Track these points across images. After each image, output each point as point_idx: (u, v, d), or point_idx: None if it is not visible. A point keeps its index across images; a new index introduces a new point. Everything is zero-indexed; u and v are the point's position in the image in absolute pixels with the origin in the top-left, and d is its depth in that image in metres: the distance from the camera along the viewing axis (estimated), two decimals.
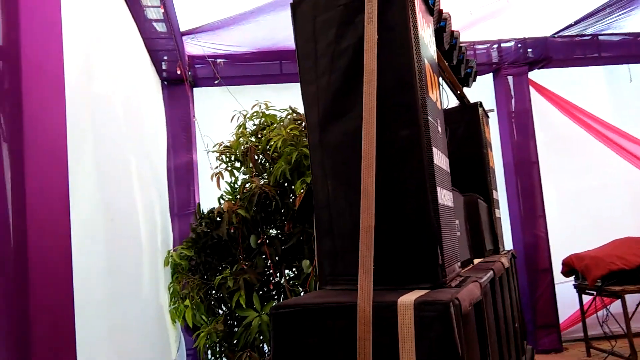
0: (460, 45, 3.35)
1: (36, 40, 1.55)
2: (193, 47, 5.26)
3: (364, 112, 1.84)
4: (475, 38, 5.90)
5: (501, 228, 4.26)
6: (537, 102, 6.10)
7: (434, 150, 1.92)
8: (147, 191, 3.12)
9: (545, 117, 6.13)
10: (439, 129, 2.12)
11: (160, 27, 4.38)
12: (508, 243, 5.64)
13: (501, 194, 5.86)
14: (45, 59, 1.58)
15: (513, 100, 5.86)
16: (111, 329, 1.96)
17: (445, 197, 2.03)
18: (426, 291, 1.68)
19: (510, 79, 5.86)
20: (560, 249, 5.58)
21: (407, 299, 1.57)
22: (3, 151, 1.18)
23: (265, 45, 5.39)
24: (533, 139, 5.81)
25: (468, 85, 3.99)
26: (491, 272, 2.52)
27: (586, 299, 5.18)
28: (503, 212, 5.85)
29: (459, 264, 2.13)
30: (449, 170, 2.22)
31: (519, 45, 5.89)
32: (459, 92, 3.92)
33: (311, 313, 1.71)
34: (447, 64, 3.31)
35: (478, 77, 4.08)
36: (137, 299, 2.41)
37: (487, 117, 4.43)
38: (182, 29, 4.92)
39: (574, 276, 5.32)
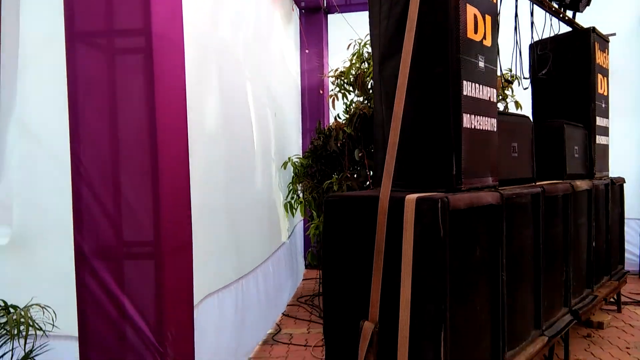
0: None
1: None
2: None
3: (403, 53, 2.33)
4: None
5: (606, 154, 4.29)
6: None
7: (465, 83, 2.35)
8: (272, 107, 3.90)
9: None
10: (481, 64, 2.49)
11: None
12: (631, 170, 5.45)
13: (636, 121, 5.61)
14: None
15: None
16: (228, 212, 2.81)
17: (478, 122, 2.45)
18: (436, 193, 2.22)
19: None
20: None
21: (413, 196, 2.14)
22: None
23: None
24: None
25: (579, 10, 3.97)
26: (539, 189, 2.87)
27: None
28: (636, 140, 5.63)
29: (491, 178, 2.56)
30: (494, 99, 2.59)
31: None
32: (565, 17, 3.94)
33: (349, 202, 2.39)
34: None
35: None
36: (251, 194, 3.25)
37: (606, 41, 4.32)
38: None
39: None
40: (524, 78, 3.88)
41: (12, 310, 1.75)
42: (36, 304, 1.78)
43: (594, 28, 4.06)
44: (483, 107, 2.51)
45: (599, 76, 4.14)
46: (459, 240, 2.21)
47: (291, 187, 4.34)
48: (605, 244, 4.10)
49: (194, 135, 2.17)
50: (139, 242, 1.79)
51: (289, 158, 4.38)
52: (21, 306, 1.80)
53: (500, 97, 4.09)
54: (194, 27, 2.22)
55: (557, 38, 4.25)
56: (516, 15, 3.83)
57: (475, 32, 2.45)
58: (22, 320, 1.67)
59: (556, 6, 3.89)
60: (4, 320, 1.79)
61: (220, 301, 2.70)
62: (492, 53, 2.61)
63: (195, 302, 2.12)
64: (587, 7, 4.05)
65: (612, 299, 4.42)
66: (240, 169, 2.97)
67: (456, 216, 2.15)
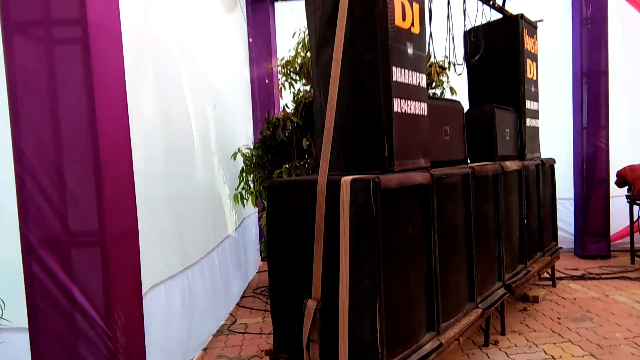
0: None
1: None
2: None
3: (335, 41, 2.43)
4: None
5: (536, 136, 4.55)
6: (621, 6, 5.88)
7: (395, 69, 2.47)
8: (213, 98, 3.93)
9: (626, 24, 5.90)
10: (410, 50, 2.62)
11: None
12: (563, 152, 5.81)
13: (567, 104, 5.95)
14: None
15: (589, 6, 5.70)
16: (170, 204, 2.85)
17: (408, 106, 2.59)
18: (369, 174, 2.33)
19: None
20: (623, 162, 5.63)
21: (348, 178, 2.25)
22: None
23: None
24: (605, 48, 5.68)
25: None
26: (469, 169, 3.05)
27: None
28: (567, 122, 5.97)
29: (423, 159, 2.71)
30: (423, 85, 2.73)
31: None
32: (496, 5, 4.14)
33: (289, 186, 2.49)
34: None
35: None
36: (192, 187, 3.28)
37: (534, 28, 4.57)
38: None
39: (627, 187, 5.43)
40: (458, 64, 4.08)
41: None
42: None
43: (522, 15, 4.29)
44: (413, 92, 2.65)
45: (528, 61, 4.38)
46: (392, 218, 2.34)
47: (242, 178, 4.39)
48: (538, 221, 4.37)
49: (134, 127, 2.20)
50: (84, 231, 1.81)
51: (238, 149, 4.43)
52: None
53: (436, 83, 4.27)
54: (126, 18, 2.25)
55: (489, 25, 4.46)
56: (448, 3, 4.02)
57: (404, 19, 2.58)
58: None
59: None
60: None
61: (167, 291, 2.75)
62: (421, 40, 2.75)
63: (143, 292, 2.16)
64: None
65: (546, 274, 4.72)
66: (179, 162, 3.00)
67: (388, 195, 2.28)
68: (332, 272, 2.28)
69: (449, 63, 4.41)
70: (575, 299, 4.34)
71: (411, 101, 2.63)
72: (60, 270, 1.78)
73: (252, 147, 4.70)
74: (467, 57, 4.49)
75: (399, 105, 2.52)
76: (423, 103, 2.75)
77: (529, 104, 4.39)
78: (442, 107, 3.24)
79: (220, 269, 3.60)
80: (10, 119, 1.76)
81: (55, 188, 1.78)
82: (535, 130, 4.57)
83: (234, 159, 4.37)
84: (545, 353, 3.26)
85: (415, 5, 2.68)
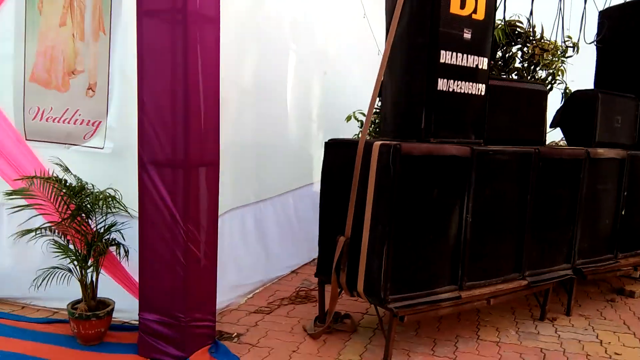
0: None
1: None
2: None
3: (390, 27, 2.87)
4: None
5: None
6: None
7: (444, 52, 2.81)
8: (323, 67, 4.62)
9: None
10: (467, 35, 2.89)
11: None
12: None
13: None
14: None
15: None
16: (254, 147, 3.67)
17: (459, 86, 2.90)
18: (401, 141, 2.75)
19: None
20: None
21: (378, 142, 2.73)
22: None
23: None
24: None
25: None
26: (532, 150, 3.20)
27: None
28: None
29: (474, 135, 3.00)
30: (483, 67, 2.99)
31: None
32: None
33: (341, 145, 3.05)
34: None
35: None
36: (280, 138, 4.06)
37: None
38: None
39: None
40: (569, 46, 4.02)
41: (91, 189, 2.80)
42: (110, 188, 2.81)
43: None
44: (467, 74, 2.93)
45: None
46: (416, 181, 2.74)
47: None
48: None
49: (230, 90, 3.00)
50: (175, 158, 2.67)
51: (353, 113, 5.03)
52: None
53: (542, 64, 4.21)
54: (233, 6, 3.02)
55: (626, 5, 4.22)
56: None
57: (462, 7, 2.86)
58: (102, 197, 2.70)
59: None
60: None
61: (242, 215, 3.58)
62: (485, 26, 2.98)
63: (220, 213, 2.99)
64: None
65: None
66: (270, 118, 3.77)
67: (412, 161, 2.69)
68: (361, 216, 2.82)
69: (572, 45, 4.31)
70: None
71: (463, 82, 2.93)
72: (160, 182, 2.66)
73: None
74: (600, 38, 4.33)
75: (445, 84, 2.86)
76: (480, 84, 3.01)
77: None
78: (528, 90, 3.40)
79: (295, 210, 4.30)
80: (137, 78, 2.66)
81: (160, 127, 2.65)
82: None
83: (347, 121, 4.98)
84: (597, 337, 3.29)
85: None
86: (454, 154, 2.86)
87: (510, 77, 4.35)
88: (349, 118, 5.04)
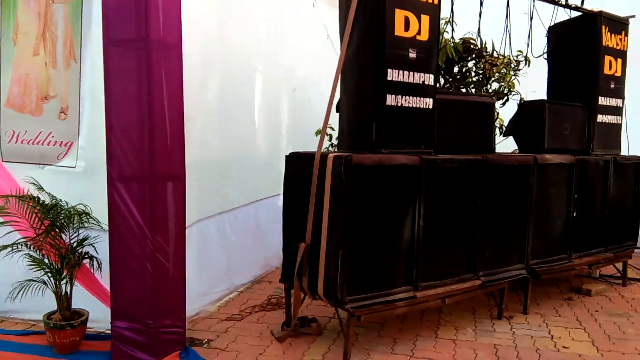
0: None
1: None
2: None
3: (341, 48, 3.11)
4: None
5: (613, 133, 4.48)
6: None
7: (391, 71, 3.04)
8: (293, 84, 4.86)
9: None
10: (412, 55, 3.13)
11: None
12: None
13: None
14: None
15: None
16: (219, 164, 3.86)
17: (407, 101, 3.13)
18: (354, 153, 2.97)
19: None
20: None
21: (332, 154, 2.94)
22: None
23: None
24: None
25: None
26: (480, 157, 3.43)
27: None
28: None
29: (424, 145, 3.22)
30: (429, 83, 3.22)
31: None
32: (572, 5, 4.22)
33: (299, 157, 3.27)
34: None
35: None
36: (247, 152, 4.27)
37: (623, 24, 4.45)
38: None
39: None
40: (518, 60, 4.30)
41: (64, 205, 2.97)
42: (80, 204, 2.98)
43: (601, 12, 4.27)
44: (414, 89, 3.17)
45: (608, 58, 4.34)
46: (368, 189, 2.95)
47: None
48: (602, 217, 4.35)
49: (195, 109, 3.21)
50: (141, 173, 2.86)
51: (318, 129, 5.26)
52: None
53: (493, 78, 4.47)
54: (197, 33, 3.24)
55: (570, 21, 4.52)
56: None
57: (407, 30, 3.10)
58: (74, 212, 2.88)
59: None
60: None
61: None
62: (429, 45, 3.22)
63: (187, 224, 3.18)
64: None
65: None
66: (235, 137, 3.99)
67: (364, 171, 2.90)
68: (319, 224, 3.02)
69: (525, 58, 4.59)
70: (634, 299, 4.26)
71: (411, 97, 3.16)
72: (128, 197, 2.85)
73: None
74: (548, 54, 4.62)
75: (394, 99, 3.09)
76: (428, 98, 3.25)
77: (605, 100, 4.36)
78: (474, 103, 3.65)
79: (262, 219, 4.49)
80: (105, 101, 2.86)
81: (127, 145, 2.84)
82: (614, 127, 4.50)
83: (317, 135, 5.20)
84: (549, 333, 3.50)
85: (425, 17, 3.17)
86: (404, 162, 3.08)
87: (468, 90, 4.62)
88: (318, 132, 5.24)
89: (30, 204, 2.94)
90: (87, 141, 3.31)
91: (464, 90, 4.68)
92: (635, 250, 4.90)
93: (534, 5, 4.22)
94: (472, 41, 4.42)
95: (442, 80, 4.63)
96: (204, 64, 3.60)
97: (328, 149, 5.24)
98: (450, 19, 4.16)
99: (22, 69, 3.41)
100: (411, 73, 3.15)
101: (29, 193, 3.10)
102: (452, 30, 4.16)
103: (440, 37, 4.30)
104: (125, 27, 2.89)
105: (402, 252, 3.14)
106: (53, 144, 3.34)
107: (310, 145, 5.35)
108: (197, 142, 3.33)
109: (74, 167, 3.29)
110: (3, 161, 3.44)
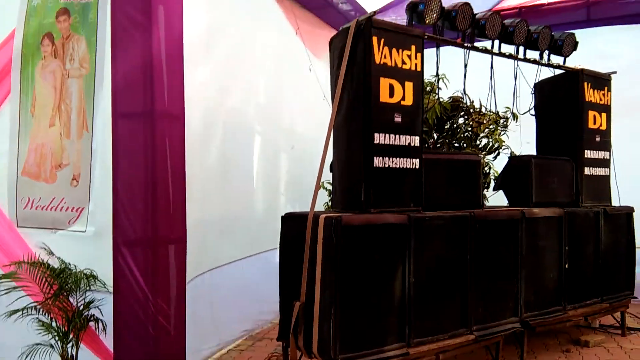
0: (513, 26, 4.03)
1: None
2: None
3: (332, 112, 3.34)
4: None
5: (601, 185, 4.62)
6: None
7: (378, 135, 3.26)
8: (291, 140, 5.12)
9: None
10: (398, 119, 3.35)
11: None
12: None
13: None
14: None
15: None
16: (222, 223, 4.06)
17: (393, 162, 3.32)
18: (348, 213, 3.15)
19: None
20: None
21: (324, 215, 3.12)
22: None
23: None
24: None
25: (562, 55, 4.47)
26: (467, 213, 3.58)
27: None
28: None
29: (412, 204, 3.39)
30: (415, 144, 3.42)
31: None
32: (552, 63, 4.46)
33: (293, 218, 3.44)
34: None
35: None
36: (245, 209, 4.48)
37: (605, 79, 4.67)
38: None
39: None
40: (504, 117, 4.51)
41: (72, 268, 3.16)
42: (87, 268, 3.17)
43: (582, 69, 4.50)
44: (400, 151, 3.37)
45: (592, 112, 4.54)
46: (359, 247, 3.10)
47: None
48: (596, 268, 4.43)
49: (197, 171, 3.44)
50: (146, 238, 3.06)
51: (322, 183, 5.46)
52: None
53: (482, 134, 4.68)
54: (199, 101, 3.51)
55: (555, 78, 4.75)
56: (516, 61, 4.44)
57: (392, 96, 3.33)
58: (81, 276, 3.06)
59: (546, 55, 4.43)
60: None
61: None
62: (414, 109, 3.44)
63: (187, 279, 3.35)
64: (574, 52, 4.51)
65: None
66: (233, 195, 4.20)
67: (354, 230, 3.07)
68: (312, 282, 3.16)
69: (513, 114, 4.80)
70: (632, 349, 4.27)
71: (398, 158, 3.36)
72: (132, 261, 3.03)
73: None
74: (535, 109, 4.83)
75: (381, 161, 3.28)
76: (414, 159, 3.44)
77: (591, 154, 4.53)
78: (460, 161, 3.83)
79: (258, 275, 4.62)
80: (112, 170, 3.10)
81: (132, 212, 3.06)
82: (602, 178, 4.64)
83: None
84: None
85: (409, 84, 3.41)
86: (392, 221, 3.24)
87: (461, 145, 4.82)
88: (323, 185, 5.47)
89: (41, 269, 3.13)
90: (97, 206, 3.52)
91: (457, 145, 4.89)
92: (634, 300, 4.97)
93: (517, 65, 4.44)
94: (461, 99, 4.65)
95: (435, 136, 4.85)
96: (205, 128, 3.85)
97: (328, 204, 5.44)
98: (436, 82, 4.40)
99: (39, 139, 3.68)
100: (397, 136, 3.35)
101: (39, 258, 3.29)
102: (438, 93, 4.40)
103: (429, 97, 4.57)
104: (132, 101, 3.17)
105: (394, 309, 3.25)
106: (65, 209, 3.56)
107: (309, 201, 5.56)
108: (198, 202, 3.53)
109: (84, 232, 3.50)
110: (18, 226, 3.66)
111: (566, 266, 4.20)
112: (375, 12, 3.30)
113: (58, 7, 3.60)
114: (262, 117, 4.63)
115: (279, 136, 4.96)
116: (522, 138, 5.22)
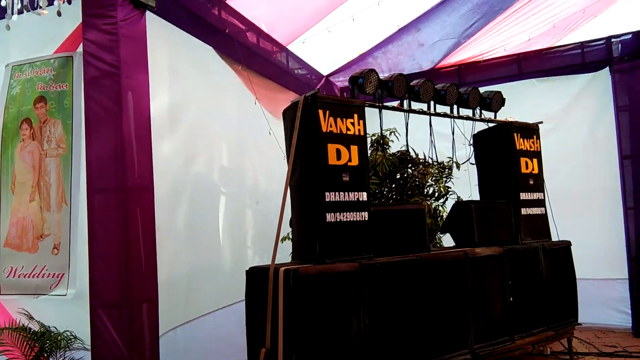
0: (444, 87, 4.59)
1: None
2: None
3: (286, 174, 3.78)
4: (586, 37, 6.32)
5: (538, 223, 5.11)
6: None
7: (328, 193, 3.69)
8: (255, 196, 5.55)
9: None
10: (346, 178, 3.80)
11: None
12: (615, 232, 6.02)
13: (615, 188, 6.15)
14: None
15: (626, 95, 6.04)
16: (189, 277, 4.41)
17: (344, 216, 3.75)
18: (306, 265, 3.53)
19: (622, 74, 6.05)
20: None
21: (283, 268, 3.49)
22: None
23: None
24: None
25: (492, 110, 5.05)
26: (415, 257, 3.99)
27: None
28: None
29: (364, 252, 3.79)
30: (363, 199, 3.86)
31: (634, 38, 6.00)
32: (485, 118, 5.02)
33: (257, 271, 3.80)
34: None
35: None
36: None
37: (534, 129, 5.26)
38: None
39: None
40: (445, 168, 5.03)
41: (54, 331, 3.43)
42: (67, 330, 3.45)
43: (511, 122, 5.08)
44: (349, 206, 3.80)
45: (524, 159, 5.08)
46: (318, 296, 3.47)
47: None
48: (539, 299, 4.86)
49: (165, 234, 3.81)
50: (119, 299, 3.39)
51: (287, 234, 5.84)
52: None
53: (427, 184, 5.19)
54: (166, 171, 3.92)
55: (489, 130, 5.31)
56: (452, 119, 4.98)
57: (339, 159, 3.79)
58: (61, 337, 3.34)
59: (478, 110, 5.00)
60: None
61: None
62: (361, 169, 3.90)
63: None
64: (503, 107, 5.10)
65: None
66: (204, 251, 4.56)
67: (312, 279, 3.44)
68: (276, 330, 3.49)
69: (455, 163, 5.32)
70: None
71: (348, 212, 3.78)
72: (108, 322, 3.34)
73: None
74: (475, 158, 5.37)
75: (333, 216, 3.70)
76: (363, 212, 3.87)
77: (527, 195, 5.04)
78: (405, 212, 4.28)
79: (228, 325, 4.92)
80: (88, 239, 3.44)
81: (108, 276, 3.39)
82: (539, 217, 5.13)
83: (282, 242, 5.77)
84: None
85: (354, 147, 3.87)
86: (346, 269, 3.63)
87: (413, 192, 5.29)
88: (283, 239, 5.84)
89: (22, 334, 3.41)
90: (76, 272, 3.84)
91: (409, 193, 5.36)
92: (584, 324, 5.40)
93: (454, 121, 4.98)
94: (407, 153, 5.16)
95: (387, 187, 5.32)
96: (172, 194, 4.25)
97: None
98: (381, 142, 4.91)
99: (20, 213, 4.01)
100: (346, 193, 3.79)
101: (20, 323, 3.57)
102: (384, 150, 4.91)
103: (377, 153, 5.07)
104: (106, 177, 3.56)
105: (352, 351, 3.59)
106: (47, 275, 3.86)
107: (279, 252, 5.90)
108: (168, 262, 3.88)
109: (65, 295, 3.79)
110: (1, 294, 3.94)
111: (510, 299, 4.62)
112: (319, 90, 3.79)
113: (35, 95, 4.02)
114: (226, 178, 5.04)
115: (244, 194, 5.37)
116: (470, 181, 5.73)
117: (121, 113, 3.45)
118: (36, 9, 3.69)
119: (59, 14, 3.75)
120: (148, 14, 3.95)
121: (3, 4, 3.56)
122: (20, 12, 3.69)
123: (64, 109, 3.92)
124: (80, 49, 3.85)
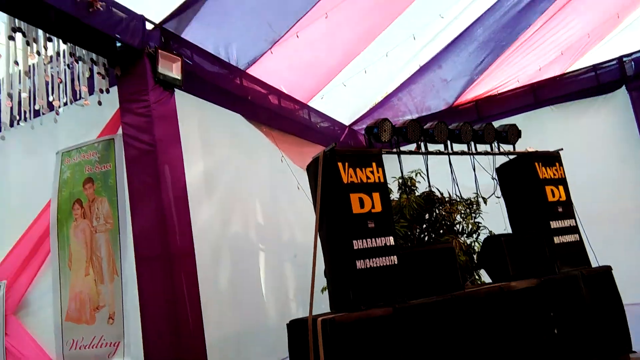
0: (457, 129, 4.77)
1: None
2: None
3: (315, 226, 4.00)
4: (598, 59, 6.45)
5: (574, 250, 5.09)
6: None
7: (355, 241, 3.88)
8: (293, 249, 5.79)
9: None
10: (371, 225, 3.99)
11: None
12: None
13: None
14: None
15: None
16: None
17: (373, 262, 3.91)
18: (342, 314, 3.69)
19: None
20: None
21: (321, 318, 3.66)
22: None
23: None
24: None
25: (510, 143, 5.18)
26: (449, 297, 4.08)
27: None
28: None
29: (396, 296, 3.92)
30: (391, 243, 4.03)
31: None
32: (504, 150, 5.16)
33: (297, 323, 3.97)
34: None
35: None
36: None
37: (555, 156, 5.33)
38: None
39: None
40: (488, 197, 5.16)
41: None
42: None
43: (532, 152, 5.18)
44: (378, 251, 3.97)
45: (548, 187, 5.14)
46: (356, 342, 3.60)
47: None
48: (586, 328, 4.79)
49: (210, 294, 4.05)
50: None
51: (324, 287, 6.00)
52: None
53: (456, 220, 5.29)
54: (208, 232, 4.22)
55: (512, 162, 5.42)
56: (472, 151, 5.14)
57: (362, 207, 4.00)
58: None
59: (496, 145, 5.15)
60: None
61: None
62: (385, 214, 4.08)
63: None
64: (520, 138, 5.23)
65: None
66: (249, 310, 4.76)
67: (348, 327, 3.58)
68: None
69: (482, 198, 5.43)
70: None
71: (377, 258, 3.95)
72: None
73: None
74: (501, 191, 5.46)
75: (363, 263, 3.87)
76: (392, 256, 4.03)
77: (557, 223, 5.06)
78: (436, 251, 4.40)
79: None
80: (140, 308, 3.72)
81: (160, 341, 3.64)
82: (573, 244, 5.11)
83: (322, 292, 5.92)
84: None
85: (376, 195, 4.09)
86: (380, 314, 3.76)
87: (443, 232, 5.40)
88: (323, 289, 6.00)
89: None
90: (130, 338, 4.11)
91: (441, 231, 5.47)
92: (632, 355, 5.23)
93: (473, 158, 5.13)
94: (433, 193, 5.31)
95: (417, 230, 5.45)
96: (213, 257, 4.53)
97: None
98: (403, 185, 5.10)
99: (77, 287, 4.36)
100: (373, 239, 3.97)
101: None
102: (408, 193, 5.09)
103: (403, 196, 5.24)
104: (150, 246, 3.86)
105: None
106: (104, 345, 4.15)
107: (320, 302, 6.06)
108: (214, 322, 4.11)
109: None
110: None
111: (555, 331, 4.59)
112: (336, 144, 4.05)
113: (84, 177, 4.45)
114: (263, 235, 5.31)
115: (281, 248, 5.61)
116: (504, 214, 5.79)
117: (159, 186, 3.80)
118: (78, 100, 4.17)
119: (99, 103, 4.22)
120: (177, 91, 4.37)
121: (50, 99, 4.04)
122: (65, 104, 4.17)
123: (109, 187, 4.32)
124: (120, 131, 4.29)
